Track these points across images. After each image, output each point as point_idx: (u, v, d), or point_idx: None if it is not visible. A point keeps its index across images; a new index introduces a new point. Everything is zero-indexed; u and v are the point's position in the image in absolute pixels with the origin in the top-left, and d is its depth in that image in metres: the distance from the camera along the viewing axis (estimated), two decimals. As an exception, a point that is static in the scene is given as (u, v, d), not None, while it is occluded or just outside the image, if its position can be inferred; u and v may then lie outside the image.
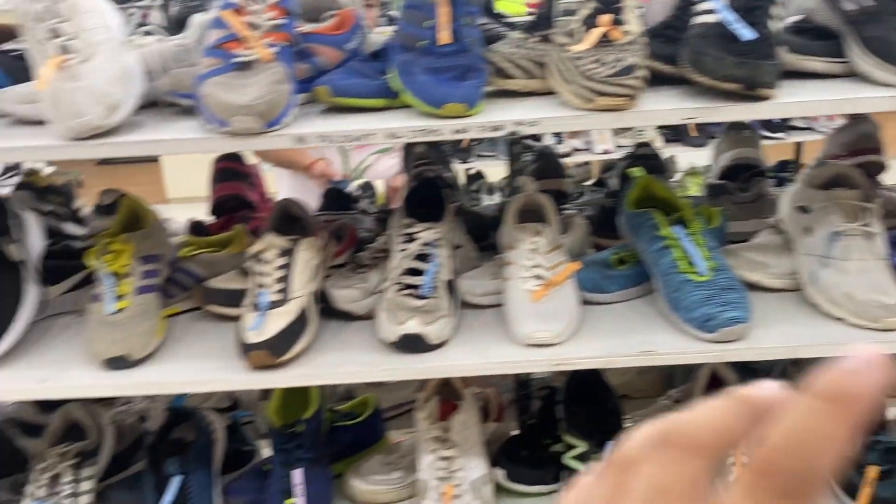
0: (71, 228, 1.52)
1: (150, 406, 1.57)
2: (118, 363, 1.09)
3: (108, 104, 0.97)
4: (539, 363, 1.08)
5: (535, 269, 1.14)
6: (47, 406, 1.56)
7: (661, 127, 3.54)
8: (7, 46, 1.21)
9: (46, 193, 1.48)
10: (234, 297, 1.21)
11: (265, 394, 1.59)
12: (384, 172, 2.44)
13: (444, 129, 0.96)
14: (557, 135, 3.18)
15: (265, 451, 1.46)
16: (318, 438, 1.29)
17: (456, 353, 1.11)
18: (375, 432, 1.45)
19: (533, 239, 1.16)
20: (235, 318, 1.21)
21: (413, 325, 1.09)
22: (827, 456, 0.20)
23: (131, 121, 1.02)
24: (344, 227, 1.34)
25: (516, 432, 1.45)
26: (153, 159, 6.03)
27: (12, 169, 4.17)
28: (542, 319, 1.10)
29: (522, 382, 1.48)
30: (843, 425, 0.20)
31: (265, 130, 0.96)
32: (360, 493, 1.33)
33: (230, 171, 1.47)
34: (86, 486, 1.29)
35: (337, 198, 1.48)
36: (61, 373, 1.10)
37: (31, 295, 1.19)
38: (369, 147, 2.47)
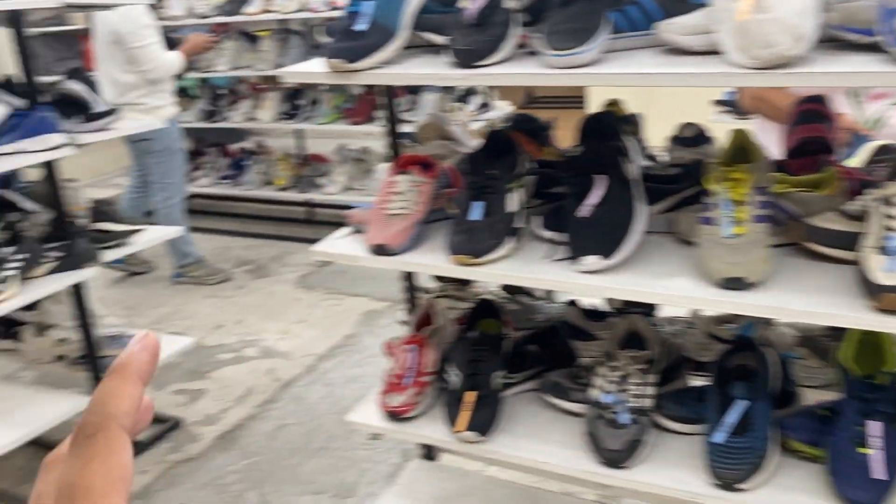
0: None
1: (685, 330, 1.68)
2: (734, 283, 1.16)
3: (795, 35, 1.01)
4: None
5: None
6: (591, 315, 1.75)
7: None
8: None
9: (623, 123, 1.62)
10: (839, 239, 1.20)
11: (800, 340, 1.58)
12: (894, 126, 2.22)
13: None
14: None
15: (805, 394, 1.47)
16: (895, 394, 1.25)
17: None
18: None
19: None
20: (836, 259, 1.21)
21: None
22: (116, 404, 0.32)
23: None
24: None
25: None
26: (578, 105, 6.31)
27: (485, 105, 4.65)
28: None
29: None
30: (127, 384, 0.33)
31: (977, 66, 0.92)
32: (932, 461, 1.26)
33: (815, 113, 1.45)
34: (649, 390, 1.43)
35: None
36: (671, 283, 1.22)
37: (642, 211, 1.33)
38: (885, 98, 2.26)
